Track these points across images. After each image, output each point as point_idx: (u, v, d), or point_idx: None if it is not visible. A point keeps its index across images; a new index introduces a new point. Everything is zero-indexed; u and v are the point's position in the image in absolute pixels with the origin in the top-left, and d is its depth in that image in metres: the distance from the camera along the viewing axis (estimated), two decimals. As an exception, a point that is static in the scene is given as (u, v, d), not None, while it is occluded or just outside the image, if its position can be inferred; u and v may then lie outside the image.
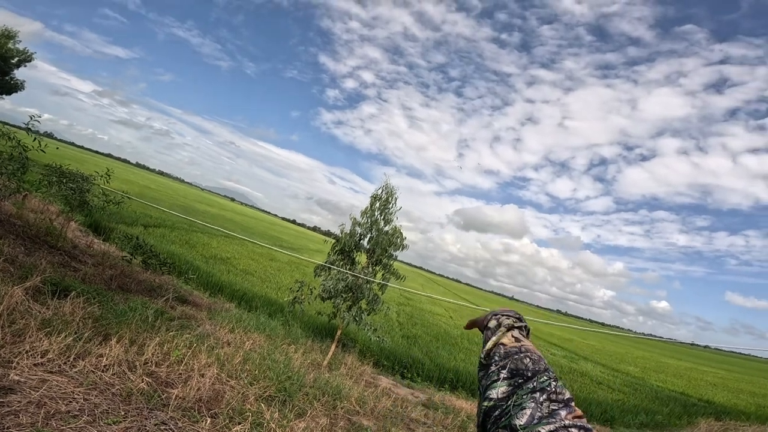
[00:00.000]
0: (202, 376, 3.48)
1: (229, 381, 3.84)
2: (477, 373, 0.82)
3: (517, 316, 0.91)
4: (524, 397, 0.64)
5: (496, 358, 0.77)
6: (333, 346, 8.50)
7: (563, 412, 0.59)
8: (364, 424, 5.14)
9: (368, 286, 8.05)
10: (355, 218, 8.48)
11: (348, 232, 8.47)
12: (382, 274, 8.41)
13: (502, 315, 0.91)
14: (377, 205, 8.41)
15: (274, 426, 3.11)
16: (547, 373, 0.69)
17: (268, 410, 3.31)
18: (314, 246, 46.21)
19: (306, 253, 35.43)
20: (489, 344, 0.83)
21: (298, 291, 8.42)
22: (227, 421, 3.03)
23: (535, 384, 0.66)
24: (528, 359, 0.73)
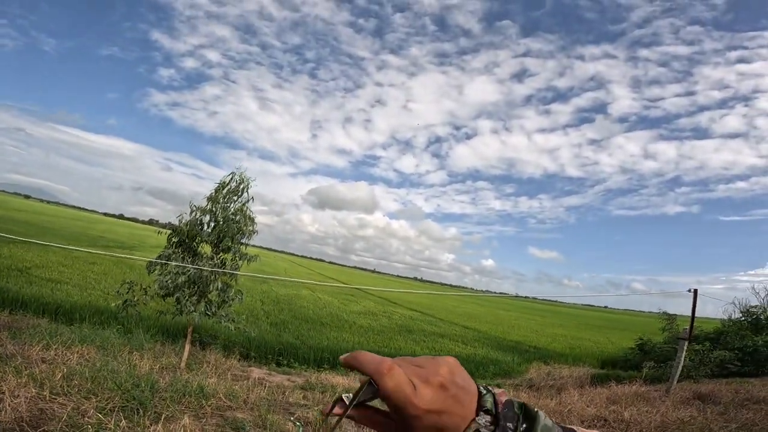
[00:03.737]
0: (16, 397, 2.76)
1: (55, 398, 3.13)
2: None
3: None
4: None
5: None
6: (187, 346, 7.72)
7: None
8: (239, 417, 4.87)
9: (215, 276, 7.54)
10: (196, 205, 7.80)
11: (187, 221, 7.73)
12: (231, 260, 7.97)
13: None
14: (224, 191, 7.89)
15: (124, 433, 2.71)
16: None
17: (112, 420, 2.85)
18: (154, 242, 39.74)
19: (143, 251, 30.29)
20: None
21: (128, 292, 7.35)
22: (60, 439, 2.50)
23: None
24: None
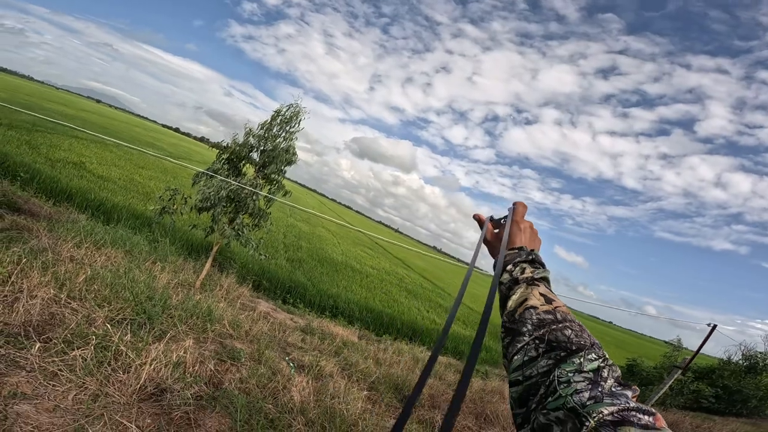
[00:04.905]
0: (33, 298, 3.02)
1: (70, 303, 3.41)
2: (500, 337, 0.70)
3: (530, 258, 0.78)
4: (570, 374, 0.54)
5: (529, 326, 0.64)
6: (208, 264, 8.14)
7: (629, 393, 0.52)
8: (237, 347, 5.07)
9: (254, 198, 7.80)
10: (251, 128, 7.99)
11: (240, 142, 7.96)
12: (269, 189, 8.23)
13: (516, 260, 0.77)
14: (278, 120, 8.00)
15: (124, 349, 2.94)
16: (595, 350, 0.58)
17: (118, 333, 3.09)
18: (199, 158, 41.41)
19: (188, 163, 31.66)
20: (511, 304, 0.70)
21: (170, 199, 7.65)
22: (63, 345, 2.75)
23: (581, 360, 0.56)
24: (569, 330, 0.61)
